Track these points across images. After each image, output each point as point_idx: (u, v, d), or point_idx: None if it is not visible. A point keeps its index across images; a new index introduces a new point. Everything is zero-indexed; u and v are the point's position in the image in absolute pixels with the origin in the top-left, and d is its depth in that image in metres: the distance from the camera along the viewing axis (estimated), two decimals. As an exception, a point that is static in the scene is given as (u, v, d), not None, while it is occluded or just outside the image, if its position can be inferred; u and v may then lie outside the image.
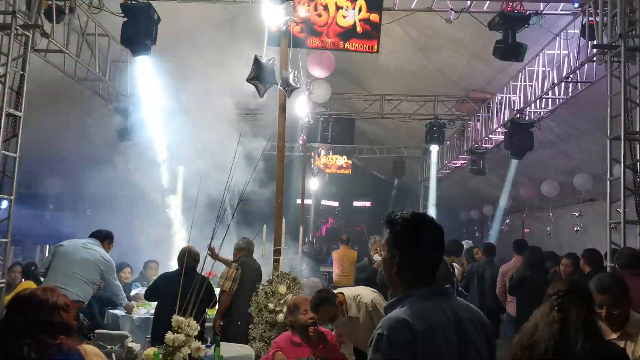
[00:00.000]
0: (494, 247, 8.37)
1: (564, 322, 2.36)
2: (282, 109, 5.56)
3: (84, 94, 8.53)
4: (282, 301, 4.82)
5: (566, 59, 7.05)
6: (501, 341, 5.62)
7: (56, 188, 12.40)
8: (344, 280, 9.67)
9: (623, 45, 5.62)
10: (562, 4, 6.72)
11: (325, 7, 6.91)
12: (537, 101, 8.22)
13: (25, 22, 5.85)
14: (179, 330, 3.21)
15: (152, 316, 5.68)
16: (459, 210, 19.77)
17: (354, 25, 6.93)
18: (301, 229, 6.83)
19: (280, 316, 4.75)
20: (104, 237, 5.81)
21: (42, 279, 5.66)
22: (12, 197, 5.72)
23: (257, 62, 4.98)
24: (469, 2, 6.78)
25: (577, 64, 6.75)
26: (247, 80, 5.06)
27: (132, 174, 8.81)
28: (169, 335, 3.20)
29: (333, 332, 4.31)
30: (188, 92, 8.30)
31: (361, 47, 7.00)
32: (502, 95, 9.44)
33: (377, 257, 6.25)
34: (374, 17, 6.90)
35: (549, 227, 13.37)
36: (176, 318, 3.23)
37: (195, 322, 3.28)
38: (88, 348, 2.28)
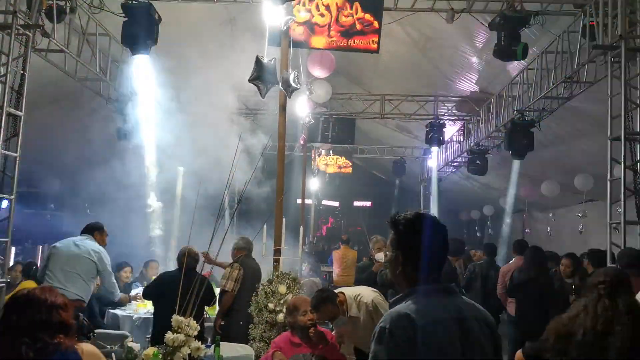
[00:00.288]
0: (495, 247, 8.39)
1: (613, 309, 2.40)
2: (283, 109, 5.56)
3: (85, 93, 8.54)
4: (282, 301, 4.82)
5: (566, 59, 7.05)
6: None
7: (56, 188, 12.41)
8: (344, 280, 9.68)
9: (623, 45, 5.61)
10: (563, 4, 6.72)
11: (327, 7, 6.91)
12: (538, 101, 8.21)
13: (25, 21, 5.86)
14: (179, 330, 3.21)
15: (152, 316, 5.69)
16: (459, 210, 19.77)
17: (354, 23, 6.95)
18: (301, 228, 6.82)
19: (280, 316, 4.74)
20: (93, 229, 5.77)
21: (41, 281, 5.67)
22: (12, 197, 5.72)
23: (258, 62, 4.98)
24: (469, 3, 6.77)
25: (578, 65, 6.75)
26: (249, 80, 5.06)
27: (132, 173, 8.82)
28: (169, 335, 3.20)
29: (333, 332, 4.32)
30: (188, 92, 8.30)
31: (363, 44, 7.00)
32: (503, 95, 9.44)
33: (379, 256, 6.24)
34: (368, 17, 6.92)
35: (549, 228, 13.39)
36: (176, 318, 3.24)
37: (195, 322, 3.28)
38: (86, 348, 2.28)
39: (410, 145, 14.69)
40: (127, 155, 8.91)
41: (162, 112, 8.77)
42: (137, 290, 6.90)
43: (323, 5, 6.93)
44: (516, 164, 10.35)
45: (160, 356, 3.25)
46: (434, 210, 14.35)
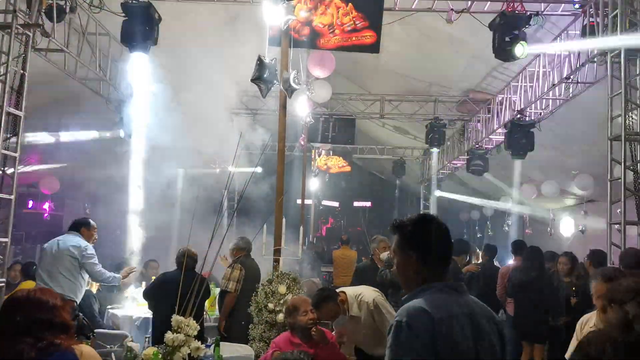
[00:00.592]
0: (495, 248, 8.41)
1: None
2: (283, 108, 5.56)
3: (85, 93, 8.53)
4: (282, 301, 4.81)
5: (567, 59, 7.05)
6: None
7: (56, 187, 12.40)
8: (344, 280, 9.67)
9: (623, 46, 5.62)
10: (563, 4, 6.72)
11: (327, 7, 6.92)
12: (538, 102, 8.22)
13: (25, 21, 5.85)
14: (179, 330, 3.21)
15: (152, 316, 5.68)
16: (459, 211, 19.76)
17: (351, 22, 6.96)
18: (301, 229, 6.81)
19: (280, 316, 4.74)
20: (80, 225, 5.71)
21: None
22: (12, 197, 5.72)
23: (260, 62, 4.98)
24: (469, 3, 6.77)
25: (578, 65, 6.75)
26: (251, 80, 5.06)
27: (132, 173, 8.82)
28: (169, 335, 3.20)
29: (333, 333, 4.31)
30: (188, 92, 8.30)
31: (358, 39, 6.99)
32: (503, 95, 9.44)
33: (383, 256, 6.21)
34: (361, 15, 6.94)
35: (549, 228, 13.39)
36: (176, 318, 3.23)
37: (194, 322, 3.28)
38: (85, 349, 2.28)
39: (410, 145, 14.68)
40: (127, 155, 8.90)
41: (162, 112, 8.77)
42: (137, 290, 6.90)
43: (324, 5, 6.93)
44: (518, 164, 10.33)
45: (160, 356, 3.25)
46: (433, 211, 14.35)
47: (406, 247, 2.01)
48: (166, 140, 8.57)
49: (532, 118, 8.79)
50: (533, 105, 8.37)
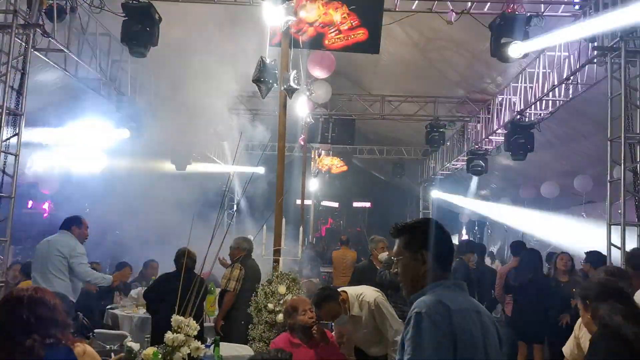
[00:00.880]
0: (484, 247, 8.47)
1: None
2: (283, 109, 5.56)
3: (85, 93, 8.54)
4: (281, 301, 4.81)
5: (566, 60, 7.05)
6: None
7: (55, 187, 12.40)
8: (343, 280, 9.66)
9: (623, 47, 5.63)
10: (563, 5, 6.72)
11: (327, 7, 6.92)
12: (538, 102, 8.22)
13: (26, 21, 5.85)
14: (179, 330, 3.20)
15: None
16: (458, 211, 19.76)
17: (347, 21, 6.98)
18: (301, 229, 6.81)
19: (280, 316, 4.74)
20: (70, 223, 5.63)
21: None
22: (12, 197, 5.72)
23: (262, 63, 4.99)
24: (469, 4, 6.78)
25: (578, 66, 6.75)
26: (252, 80, 5.07)
27: (132, 173, 8.83)
28: (169, 335, 3.20)
29: (333, 333, 4.32)
30: (189, 92, 8.30)
31: (354, 37, 6.99)
32: (503, 96, 9.45)
33: (382, 256, 6.21)
34: (353, 16, 6.94)
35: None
36: (176, 318, 3.23)
37: (194, 322, 3.28)
38: (87, 348, 2.29)
39: (410, 146, 14.69)
40: (127, 155, 8.91)
41: (163, 112, 8.78)
42: (137, 290, 6.90)
43: (324, 5, 6.93)
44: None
45: (160, 356, 3.25)
46: (433, 211, 14.37)
47: (416, 247, 2.08)
48: (166, 141, 8.59)
49: (532, 119, 8.79)
50: (533, 106, 8.37)
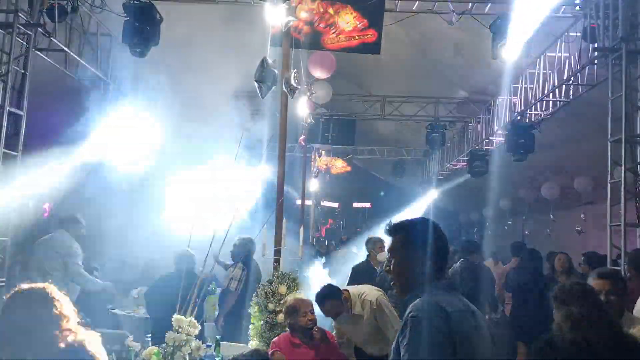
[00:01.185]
0: (477, 245, 8.43)
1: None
2: (284, 109, 5.56)
3: (86, 93, 8.53)
4: (282, 301, 4.81)
5: (567, 61, 7.05)
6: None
7: (56, 186, 12.39)
8: (344, 281, 9.66)
9: (624, 48, 5.63)
10: (564, 6, 6.73)
11: (328, 7, 6.92)
12: (538, 103, 8.22)
13: (27, 20, 5.86)
14: (180, 330, 3.21)
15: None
16: (458, 212, 19.78)
17: (352, 22, 6.97)
18: (301, 229, 6.80)
19: (280, 316, 4.74)
20: (66, 222, 5.65)
21: None
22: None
23: (263, 63, 4.99)
24: (470, 4, 6.78)
25: (579, 67, 6.76)
26: (255, 80, 5.07)
27: (133, 172, 8.80)
28: (170, 335, 3.20)
29: (333, 333, 4.32)
30: (190, 92, 8.29)
31: (360, 38, 6.99)
32: (503, 97, 9.45)
33: (381, 257, 6.22)
34: (359, 16, 6.94)
35: (548, 230, 13.39)
36: (177, 317, 3.24)
37: (195, 321, 3.29)
38: (93, 338, 2.32)
39: (411, 146, 14.69)
40: (128, 155, 8.89)
41: (164, 112, 8.76)
42: (138, 290, 6.90)
43: (324, 5, 6.93)
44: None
45: (161, 356, 3.25)
46: (433, 211, 14.36)
47: (413, 246, 2.05)
48: (167, 140, 8.58)
49: (533, 120, 8.79)
50: (534, 107, 8.37)
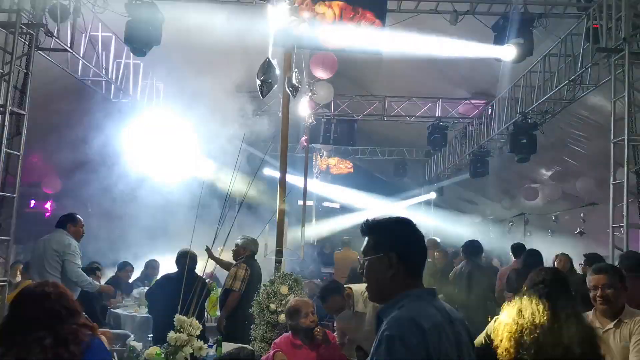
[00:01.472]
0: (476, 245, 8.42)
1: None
2: (286, 109, 5.56)
3: (88, 92, 8.55)
4: (283, 302, 4.81)
5: (570, 62, 7.04)
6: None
7: (57, 186, 12.42)
8: (344, 281, 9.65)
9: (627, 48, 5.62)
10: (567, 7, 6.72)
11: (330, 7, 6.92)
12: (541, 104, 8.20)
13: (29, 20, 5.87)
14: (181, 330, 3.20)
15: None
16: (459, 212, 19.74)
17: (356, 18, 6.96)
18: (303, 229, 6.82)
19: (282, 317, 4.74)
20: (65, 221, 5.64)
21: None
22: (15, 196, 5.72)
23: (266, 63, 4.99)
24: (473, 4, 6.78)
25: (581, 67, 6.74)
26: (257, 79, 5.07)
27: (133, 173, 8.83)
28: (172, 335, 3.20)
29: (334, 333, 4.31)
30: (190, 92, 8.31)
31: (367, 37, 6.96)
32: (506, 97, 9.43)
33: None
34: (369, 15, 6.91)
35: (550, 231, 13.36)
36: (179, 317, 3.23)
37: (197, 321, 3.28)
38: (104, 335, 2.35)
39: (412, 147, 14.68)
40: (129, 155, 8.91)
41: (165, 111, 8.78)
42: (139, 290, 6.90)
43: (325, 6, 6.92)
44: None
45: (163, 355, 3.25)
46: (434, 212, 14.34)
47: (386, 248, 1.87)
48: (168, 141, 8.59)
49: (535, 120, 8.78)
50: (536, 107, 8.35)
